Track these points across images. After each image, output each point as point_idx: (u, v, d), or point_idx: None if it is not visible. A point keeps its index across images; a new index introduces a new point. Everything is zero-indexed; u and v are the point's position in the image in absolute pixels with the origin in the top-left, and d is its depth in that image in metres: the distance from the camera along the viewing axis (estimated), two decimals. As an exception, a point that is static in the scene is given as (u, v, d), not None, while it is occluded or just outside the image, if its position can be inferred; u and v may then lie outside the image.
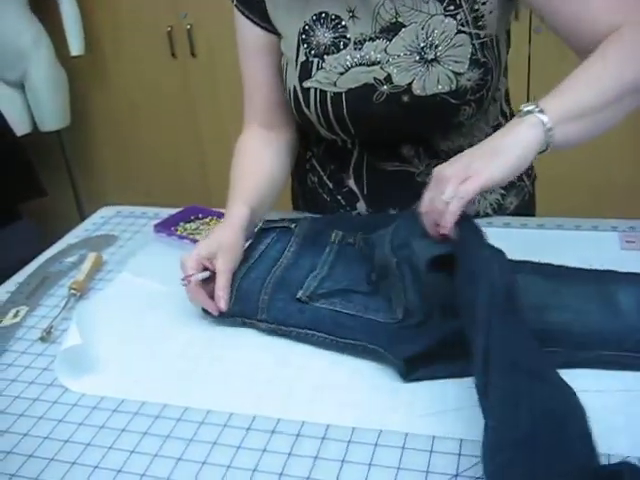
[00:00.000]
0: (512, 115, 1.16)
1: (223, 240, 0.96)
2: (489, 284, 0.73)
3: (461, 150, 1.07)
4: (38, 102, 2.46)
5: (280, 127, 1.13)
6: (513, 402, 0.64)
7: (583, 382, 0.73)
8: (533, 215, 1.22)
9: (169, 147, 2.63)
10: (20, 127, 2.44)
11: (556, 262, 0.94)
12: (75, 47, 2.41)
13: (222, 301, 0.91)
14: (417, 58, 0.98)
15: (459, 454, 0.67)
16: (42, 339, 0.92)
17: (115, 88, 2.61)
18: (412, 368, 0.78)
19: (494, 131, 1.09)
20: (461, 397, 0.74)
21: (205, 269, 0.93)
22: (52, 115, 2.51)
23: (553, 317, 0.84)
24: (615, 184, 2.22)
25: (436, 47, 0.97)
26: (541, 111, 0.80)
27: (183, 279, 0.91)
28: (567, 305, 0.86)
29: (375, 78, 1.00)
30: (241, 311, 0.90)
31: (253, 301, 0.91)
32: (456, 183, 0.79)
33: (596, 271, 0.92)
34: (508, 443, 0.61)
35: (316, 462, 0.68)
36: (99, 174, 2.82)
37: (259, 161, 1.10)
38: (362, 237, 1.00)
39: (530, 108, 0.80)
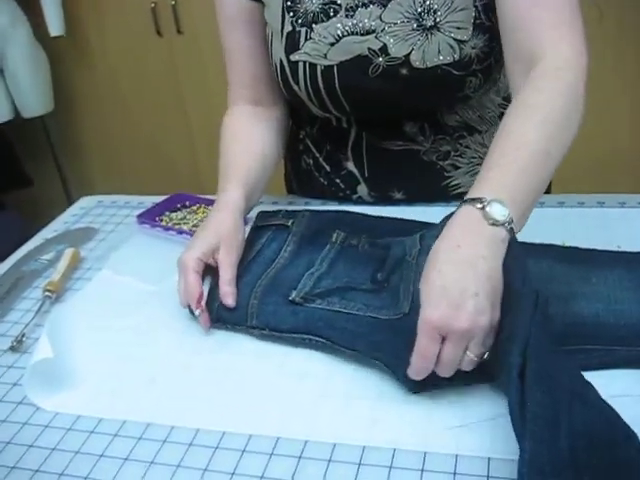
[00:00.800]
0: None
1: (222, 229, 0.86)
2: (532, 302, 0.64)
3: (469, 125, 0.99)
4: (19, 87, 2.35)
5: (268, 103, 1.04)
6: (552, 420, 0.55)
7: (621, 385, 0.66)
8: (548, 192, 1.12)
9: (157, 129, 2.53)
10: (1, 114, 2.34)
11: (579, 244, 0.86)
12: (55, 27, 2.30)
13: (230, 297, 0.81)
14: (415, 25, 0.88)
15: (487, 476, 0.58)
16: (12, 349, 0.82)
17: (99, 69, 2.50)
18: (419, 383, 0.68)
19: (504, 102, 1.00)
20: (485, 406, 0.65)
21: (207, 267, 0.84)
22: (34, 100, 2.40)
23: (583, 308, 0.75)
24: (623, 155, 2.12)
25: (435, 12, 0.87)
26: (511, 220, 0.66)
27: (196, 310, 0.80)
28: (598, 293, 0.77)
29: (370, 49, 0.90)
30: (230, 318, 0.81)
31: (243, 306, 0.81)
32: (483, 342, 0.64)
33: (627, 253, 0.83)
34: (549, 468, 0.52)
35: (322, 490, 0.59)
36: (87, 160, 2.72)
37: (249, 140, 1.00)
38: (367, 240, 0.90)
39: (504, 219, 0.66)
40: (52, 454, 0.67)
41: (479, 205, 0.67)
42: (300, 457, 0.63)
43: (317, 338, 0.75)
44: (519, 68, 0.82)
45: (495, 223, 0.66)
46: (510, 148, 0.73)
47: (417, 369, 0.65)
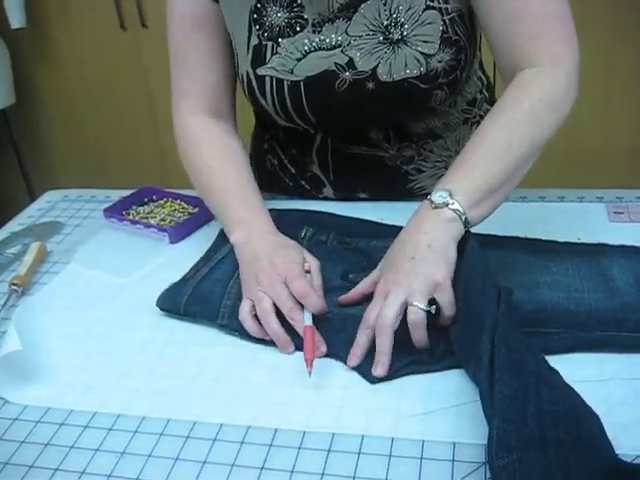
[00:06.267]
0: (489, 84, 1.08)
1: (294, 245, 0.85)
2: (495, 297, 0.69)
3: (434, 132, 1.00)
4: (-22, 80, 2.31)
5: (226, 114, 1.00)
6: (521, 400, 0.58)
7: (584, 371, 0.68)
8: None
9: (123, 123, 2.50)
10: (-40, 107, 2.29)
11: (541, 236, 0.89)
12: (16, 19, 2.26)
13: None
14: (381, 39, 0.88)
15: (453, 460, 0.60)
16: (-21, 343, 0.82)
17: (62, 63, 2.46)
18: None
19: (468, 107, 1.02)
20: (449, 394, 0.67)
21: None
22: (-5, 93, 2.36)
23: (544, 296, 0.78)
24: (582, 150, 2.17)
25: (402, 25, 0.87)
26: (454, 202, 0.74)
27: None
28: (558, 282, 0.80)
29: (336, 63, 0.90)
30: (201, 312, 0.81)
31: (214, 303, 0.81)
32: (426, 293, 0.70)
33: (586, 245, 0.86)
34: (516, 443, 0.55)
35: (293, 476, 0.60)
36: (49, 155, 2.68)
37: (241, 161, 0.97)
38: (336, 237, 0.92)
39: (444, 200, 0.74)
40: (22, 447, 0.67)
41: (428, 197, 0.76)
42: (271, 445, 0.64)
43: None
44: (505, 74, 0.86)
45: (437, 206, 0.74)
46: (470, 146, 0.79)
47: (359, 333, 0.72)
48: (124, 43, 2.36)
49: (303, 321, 0.75)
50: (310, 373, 0.70)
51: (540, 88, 0.81)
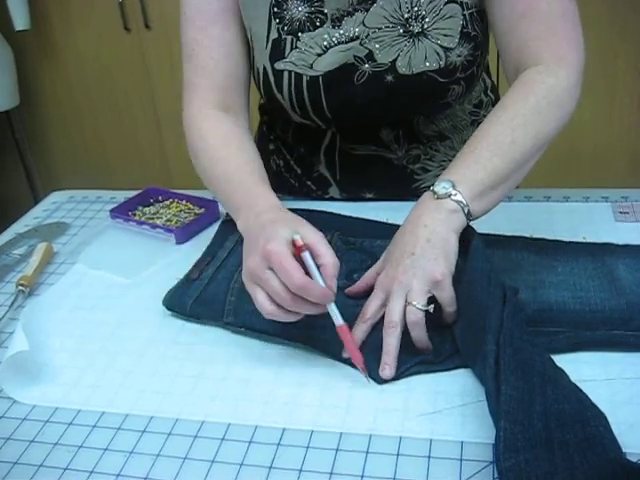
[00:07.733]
0: (494, 86, 1.08)
1: (296, 218, 0.75)
2: (501, 297, 0.69)
3: (442, 135, 1.01)
4: (-17, 82, 2.31)
5: (237, 110, 0.97)
6: (527, 401, 0.58)
7: (589, 371, 0.68)
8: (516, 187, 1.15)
9: (126, 124, 2.51)
10: (-35, 109, 2.30)
11: (546, 236, 0.89)
12: (20, 21, 2.26)
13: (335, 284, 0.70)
14: (401, 31, 0.89)
15: (461, 459, 0.60)
16: (-13, 343, 0.82)
17: (66, 65, 2.47)
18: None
19: (475, 109, 1.03)
20: (459, 393, 0.67)
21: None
22: (-1, 95, 2.37)
23: (550, 295, 0.78)
24: (587, 149, 2.17)
25: (423, 18, 0.88)
26: (456, 193, 0.74)
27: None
28: (564, 282, 0.80)
29: (355, 56, 0.90)
30: (207, 314, 0.81)
31: (219, 302, 0.81)
32: (424, 292, 0.70)
33: (591, 244, 0.86)
34: (523, 444, 0.55)
35: (301, 475, 0.60)
36: (52, 156, 2.68)
37: (247, 145, 0.93)
38: (339, 237, 0.92)
39: (446, 191, 0.74)
40: (30, 446, 0.67)
41: (430, 188, 0.76)
42: (279, 444, 0.64)
43: (293, 343, 0.76)
44: (509, 73, 0.87)
45: (440, 197, 0.75)
46: (474, 140, 0.79)
47: (355, 326, 0.73)
48: (128, 45, 2.36)
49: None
50: (367, 378, 0.69)
51: (544, 85, 0.81)
